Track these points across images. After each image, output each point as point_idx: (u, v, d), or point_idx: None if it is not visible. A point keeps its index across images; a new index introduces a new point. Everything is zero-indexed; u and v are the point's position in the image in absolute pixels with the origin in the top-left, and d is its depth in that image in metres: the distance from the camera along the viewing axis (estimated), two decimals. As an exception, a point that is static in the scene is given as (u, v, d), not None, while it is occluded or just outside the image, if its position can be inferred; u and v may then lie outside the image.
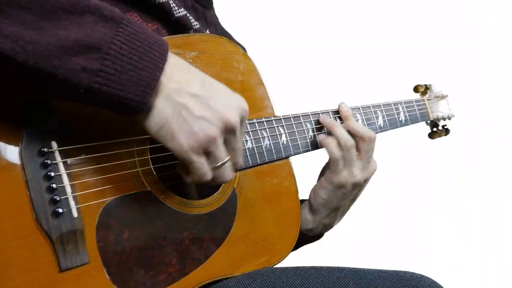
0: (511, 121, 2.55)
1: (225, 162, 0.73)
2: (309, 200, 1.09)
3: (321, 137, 1.06)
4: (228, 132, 0.72)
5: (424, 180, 2.53)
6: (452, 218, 2.52)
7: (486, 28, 2.61)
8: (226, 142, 0.73)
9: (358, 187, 1.05)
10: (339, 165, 1.02)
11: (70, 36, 0.59)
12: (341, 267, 0.90)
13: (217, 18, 1.14)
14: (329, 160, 1.04)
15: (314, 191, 1.08)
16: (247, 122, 0.95)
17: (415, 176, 2.50)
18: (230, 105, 0.71)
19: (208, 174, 0.72)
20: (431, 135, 1.56)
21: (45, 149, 0.68)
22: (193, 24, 0.97)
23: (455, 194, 2.53)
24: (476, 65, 2.55)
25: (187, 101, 0.68)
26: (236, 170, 0.78)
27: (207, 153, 0.71)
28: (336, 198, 1.04)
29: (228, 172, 0.75)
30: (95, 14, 0.61)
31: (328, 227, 1.10)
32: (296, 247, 1.07)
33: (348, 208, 1.10)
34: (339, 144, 1.02)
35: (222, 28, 1.14)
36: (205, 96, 0.69)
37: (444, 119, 1.54)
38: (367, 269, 0.88)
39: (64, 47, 0.59)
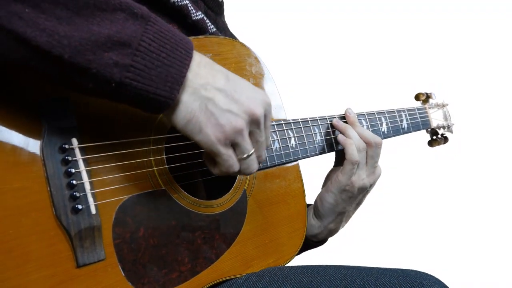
0: (510, 131, 2.60)
1: (251, 154, 0.75)
2: (314, 205, 1.11)
3: (341, 138, 1.07)
4: (253, 124, 0.73)
5: (429, 184, 2.58)
6: (456, 220, 2.56)
7: (487, 37, 2.65)
8: (251, 134, 0.75)
9: (363, 191, 1.07)
10: (353, 169, 1.04)
11: (103, 32, 0.61)
12: (348, 266, 0.92)
13: (226, 25, 1.16)
14: (344, 162, 1.05)
15: (320, 196, 1.10)
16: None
17: (418, 181, 2.55)
18: (254, 98, 0.73)
19: (235, 165, 0.74)
20: (431, 143, 1.58)
21: (66, 146, 0.69)
22: (209, 27, 0.98)
23: (457, 198, 2.58)
24: (476, 74, 2.60)
25: (213, 95, 0.70)
26: (259, 163, 0.79)
27: (234, 144, 0.73)
28: (343, 202, 1.06)
29: (254, 164, 0.77)
30: (125, 11, 0.63)
31: (333, 232, 1.12)
32: (299, 252, 1.09)
33: (352, 213, 1.12)
34: None
35: (231, 34, 1.15)
36: (231, 90, 0.71)
37: (444, 127, 1.57)
38: (373, 267, 0.90)
39: (98, 43, 0.60)
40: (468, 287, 2.02)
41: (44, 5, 0.58)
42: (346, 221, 1.13)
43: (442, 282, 0.84)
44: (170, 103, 0.67)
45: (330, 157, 1.16)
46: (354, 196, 1.06)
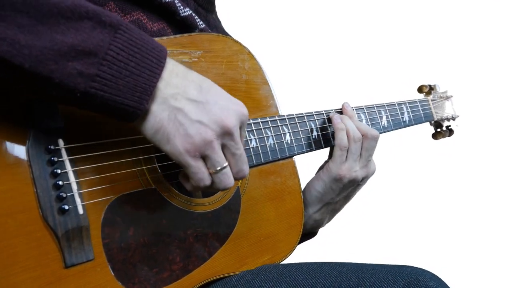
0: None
1: (224, 168, 0.72)
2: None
3: (334, 121, 1.05)
4: (225, 136, 0.71)
5: (426, 179, 2.54)
6: (453, 216, 2.53)
7: (491, 29, 2.60)
8: (225, 147, 0.73)
9: (354, 183, 1.06)
10: (343, 155, 1.03)
11: (67, 41, 0.60)
12: (343, 263, 0.91)
13: (219, 22, 1.15)
14: (334, 149, 1.05)
15: (309, 184, 1.09)
16: (251, 121, 0.95)
17: (417, 175, 2.52)
18: (228, 109, 0.71)
19: (206, 179, 0.72)
20: (435, 136, 1.56)
21: (52, 147, 0.69)
22: (198, 23, 0.97)
23: (457, 193, 2.54)
24: (481, 65, 2.55)
25: (183, 105, 0.68)
26: (241, 178, 0.77)
27: (205, 157, 0.71)
28: (332, 192, 1.05)
29: (228, 178, 0.74)
30: (92, 19, 0.62)
31: (318, 223, 1.10)
32: None
33: (340, 207, 1.11)
34: (347, 135, 1.04)
35: (224, 31, 1.14)
36: (203, 101, 0.70)
37: (448, 119, 1.54)
38: (369, 264, 0.89)
39: (61, 52, 0.59)
40: (464, 282, 1.99)
41: (4, 12, 0.57)
42: (333, 214, 1.12)
43: (439, 278, 0.82)
44: (138, 113, 0.66)
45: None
46: (344, 187, 1.05)
